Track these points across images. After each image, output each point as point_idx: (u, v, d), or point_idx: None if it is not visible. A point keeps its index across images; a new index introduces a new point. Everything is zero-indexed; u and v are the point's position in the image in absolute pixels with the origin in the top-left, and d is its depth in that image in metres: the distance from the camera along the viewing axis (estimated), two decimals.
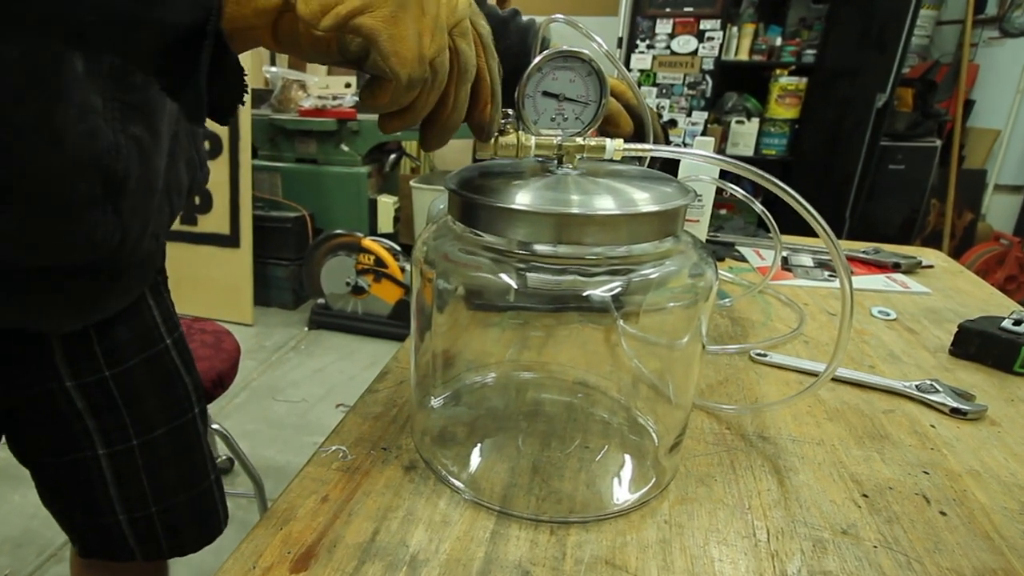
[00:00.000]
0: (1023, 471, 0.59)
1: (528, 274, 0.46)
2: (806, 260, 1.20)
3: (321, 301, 2.99)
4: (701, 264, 0.49)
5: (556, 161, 0.50)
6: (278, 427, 2.23)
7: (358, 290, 2.88)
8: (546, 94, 0.49)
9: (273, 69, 3.26)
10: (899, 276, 1.14)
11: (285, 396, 2.43)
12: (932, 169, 3.26)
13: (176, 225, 0.90)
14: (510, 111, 0.49)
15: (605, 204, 0.44)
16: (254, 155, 3.02)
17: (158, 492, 0.82)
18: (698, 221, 1.01)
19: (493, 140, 0.49)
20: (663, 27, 3.45)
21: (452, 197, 0.49)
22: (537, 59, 0.48)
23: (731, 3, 3.42)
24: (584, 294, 0.46)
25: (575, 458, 0.56)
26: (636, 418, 0.62)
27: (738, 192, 0.81)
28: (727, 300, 0.97)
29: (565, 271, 0.46)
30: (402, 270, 2.79)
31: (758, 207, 0.85)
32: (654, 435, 0.59)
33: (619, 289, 0.46)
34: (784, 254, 1.24)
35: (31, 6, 0.34)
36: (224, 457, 1.95)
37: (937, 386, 0.71)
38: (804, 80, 3.39)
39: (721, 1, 3.38)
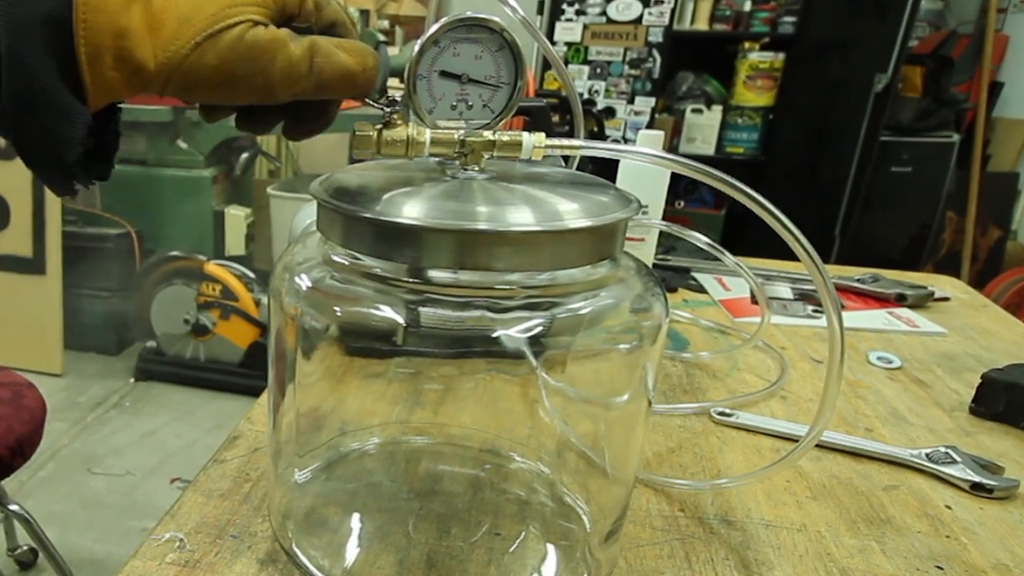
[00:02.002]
0: None
1: (421, 309, 0.46)
2: (784, 291, 1.23)
3: (152, 344, 2.96)
4: (647, 296, 0.50)
5: (457, 161, 0.51)
6: (96, 508, 2.22)
7: (200, 330, 2.86)
8: (445, 74, 0.50)
9: None
10: (905, 312, 1.17)
11: (105, 468, 2.42)
12: (948, 172, 3.38)
13: None
14: (397, 97, 0.50)
15: (521, 217, 0.44)
16: None
17: None
18: (643, 240, 1.02)
19: (376, 135, 0.49)
20: None
21: (322, 209, 0.49)
22: (433, 28, 0.48)
23: None
24: (494, 335, 0.46)
25: (483, 548, 0.56)
26: (562, 496, 0.62)
27: (698, 241, 0.80)
28: (704, 354, 0.97)
29: (469, 305, 0.46)
30: (257, 304, 2.80)
31: (730, 260, 0.83)
32: (585, 519, 0.60)
33: (539, 329, 0.46)
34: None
35: None
36: (25, 547, 1.93)
37: (954, 455, 0.73)
38: (781, 56, 3.42)
39: None
